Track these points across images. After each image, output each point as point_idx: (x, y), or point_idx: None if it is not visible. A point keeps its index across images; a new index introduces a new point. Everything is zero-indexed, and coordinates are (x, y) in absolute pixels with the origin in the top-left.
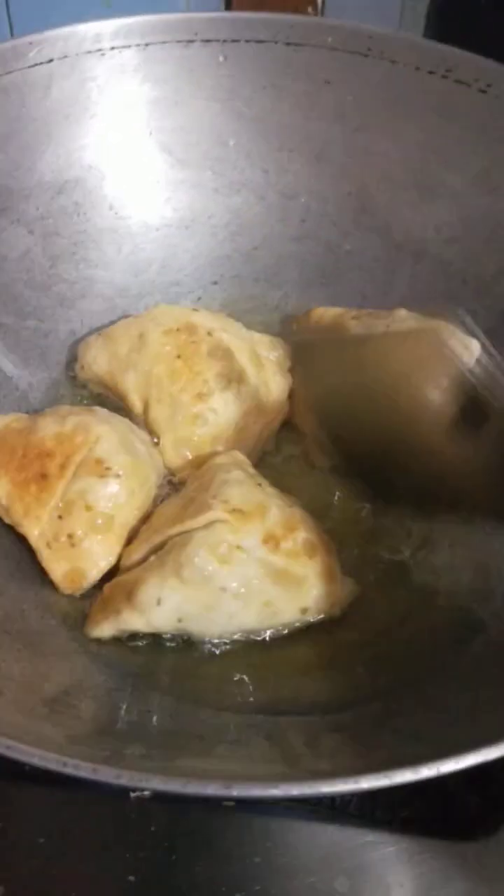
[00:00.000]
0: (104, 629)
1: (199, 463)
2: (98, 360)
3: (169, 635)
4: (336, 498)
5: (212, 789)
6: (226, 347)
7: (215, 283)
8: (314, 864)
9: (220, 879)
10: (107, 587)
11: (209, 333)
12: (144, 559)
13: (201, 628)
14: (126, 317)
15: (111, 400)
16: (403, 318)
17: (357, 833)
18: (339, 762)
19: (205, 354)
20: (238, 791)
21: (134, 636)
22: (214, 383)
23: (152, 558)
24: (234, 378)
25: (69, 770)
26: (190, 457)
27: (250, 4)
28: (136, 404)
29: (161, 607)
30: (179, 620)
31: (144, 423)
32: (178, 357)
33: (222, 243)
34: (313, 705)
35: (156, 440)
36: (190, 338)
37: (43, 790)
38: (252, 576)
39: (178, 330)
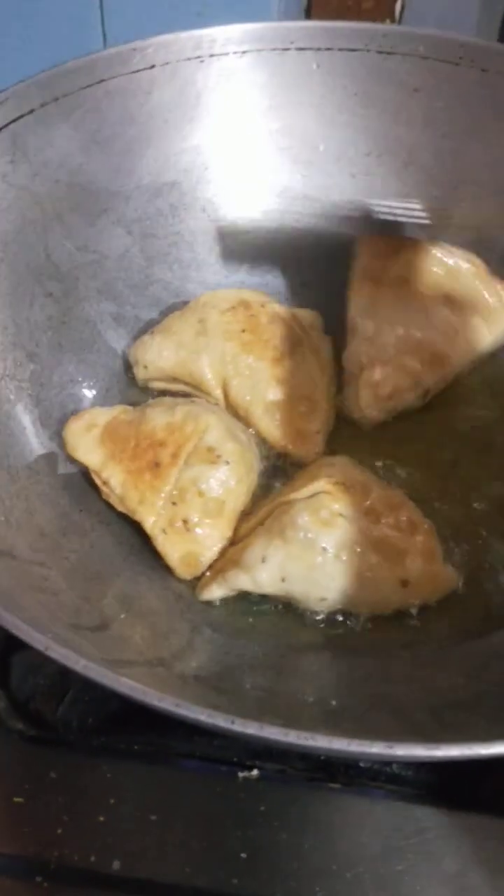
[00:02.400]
0: (213, 591)
1: (290, 427)
2: (164, 354)
3: (275, 607)
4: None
5: (377, 748)
6: (281, 316)
7: (304, 284)
8: (423, 844)
9: (329, 859)
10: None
11: (262, 305)
12: (248, 532)
13: (304, 590)
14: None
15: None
16: None
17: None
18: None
19: (266, 323)
20: (402, 750)
21: (244, 614)
22: (284, 346)
23: (258, 529)
24: (296, 341)
25: (236, 728)
26: (278, 419)
27: (330, 17)
28: (214, 386)
29: (265, 564)
30: (283, 580)
31: (226, 405)
32: (244, 331)
33: (311, 246)
34: (429, 688)
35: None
36: (247, 311)
37: (152, 769)
38: (353, 541)
39: (233, 308)
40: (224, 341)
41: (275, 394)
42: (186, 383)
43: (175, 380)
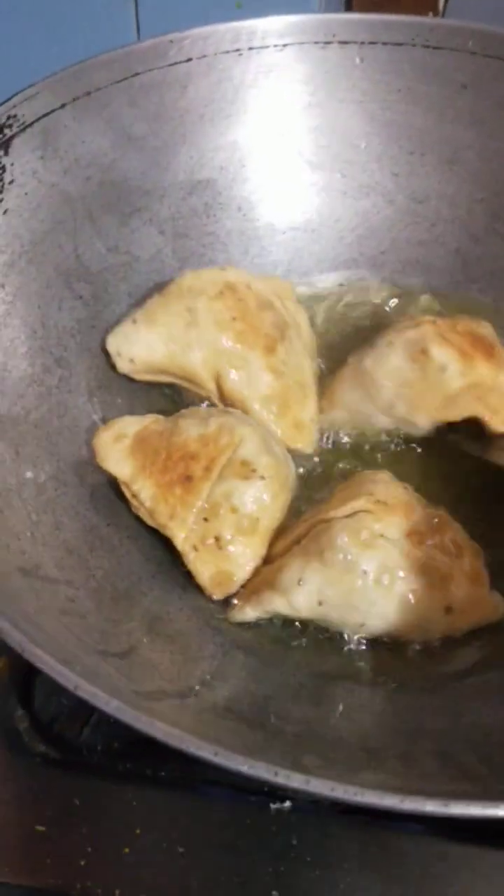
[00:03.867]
0: (247, 613)
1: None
2: (153, 347)
3: (311, 633)
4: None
5: (431, 806)
6: (263, 296)
7: (341, 285)
8: (457, 881)
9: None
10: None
11: (248, 287)
12: (284, 552)
13: (342, 615)
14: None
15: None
16: None
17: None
18: None
19: (256, 309)
20: (458, 809)
21: (278, 640)
22: (274, 333)
23: (295, 548)
24: (284, 324)
25: (280, 780)
26: (276, 411)
27: (370, 9)
28: (207, 380)
29: (302, 587)
30: (320, 604)
31: (220, 398)
32: (234, 319)
33: (349, 247)
34: (475, 724)
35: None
36: (235, 296)
37: (180, 798)
38: (394, 564)
39: (221, 293)
40: (217, 332)
41: (271, 385)
42: (175, 375)
43: (163, 372)
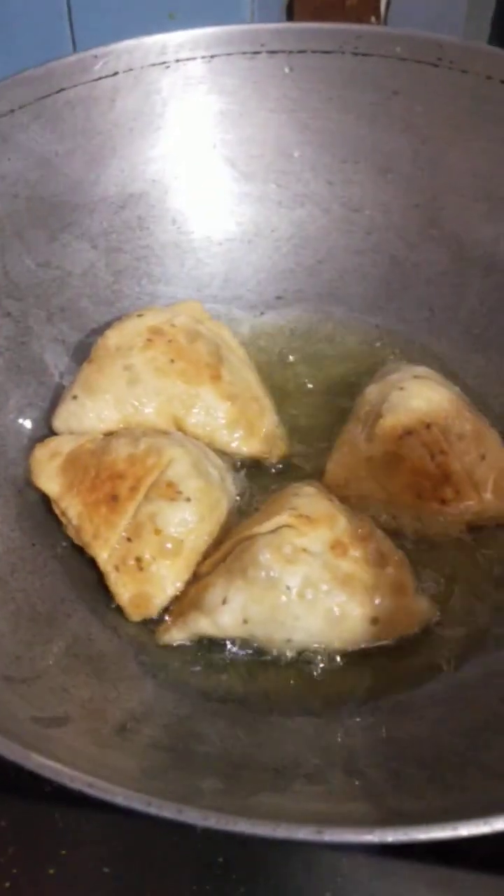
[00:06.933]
0: (173, 634)
1: (257, 436)
2: (104, 415)
3: (237, 652)
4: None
5: (303, 833)
6: (189, 328)
7: (279, 297)
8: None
9: None
10: (178, 598)
11: (172, 324)
12: (210, 570)
13: (268, 632)
14: None
15: None
16: None
17: (427, 869)
18: (428, 802)
19: (188, 343)
20: (330, 836)
21: (202, 660)
22: (213, 359)
23: (220, 566)
24: (215, 348)
25: (152, 810)
26: (243, 433)
27: (312, 15)
28: (166, 427)
29: (226, 606)
30: (245, 622)
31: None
32: (173, 361)
33: (285, 257)
34: (392, 739)
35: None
36: (164, 338)
37: (107, 818)
38: (317, 578)
39: (150, 341)
40: (161, 380)
41: (229, 411)
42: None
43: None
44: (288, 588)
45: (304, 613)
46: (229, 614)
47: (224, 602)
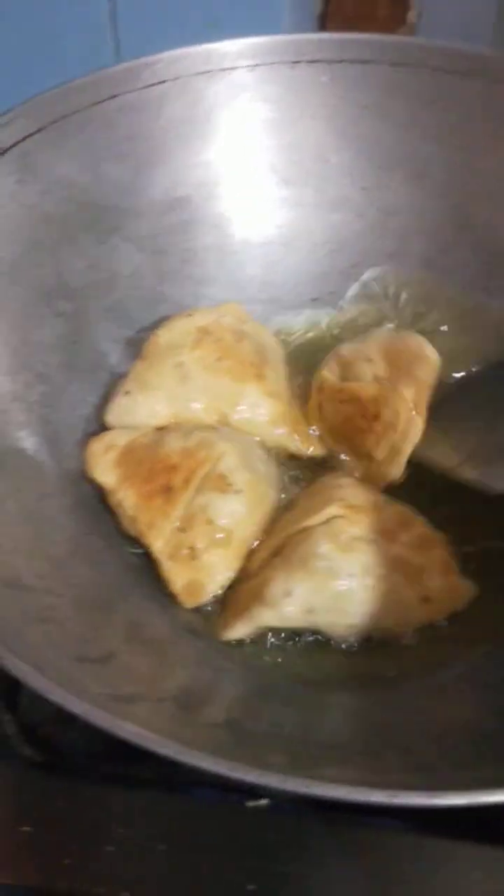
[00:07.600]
0: (238, 630)
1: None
2: (157, 410)
3: (299, 639)
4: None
5: (376, 797)
6: (235, 328)
7: (315, 299)
8: (431, 872)
9: (336, 892)
10: (232, 593)
11: (219, 324)
12: (265, 564)
13: (331, 619)
14: None
15: None
16: None
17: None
18: (481, 773)
19: (234, 342)
20: (401, 800)
21: (258, 642)
22: (257, 359)
23: (275, 560)
24: (260, 348)
25: (237, 775)
26: (286, 430)
27: (345, 24)
28: (215, 424)
29: (290, 598)
30: (309, 612)
31: None
32: (220, 359)
33: (321, 260)
34: (441, 717)
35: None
36: (212, 337)
37: (161, 798)
38: (374, 563)
39: (200, 340)
40: (210, 377)
41: (272, 409)
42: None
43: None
44: (350, 575)
45: (364, 599)
46: (294, 606)
47: (288, 594)
